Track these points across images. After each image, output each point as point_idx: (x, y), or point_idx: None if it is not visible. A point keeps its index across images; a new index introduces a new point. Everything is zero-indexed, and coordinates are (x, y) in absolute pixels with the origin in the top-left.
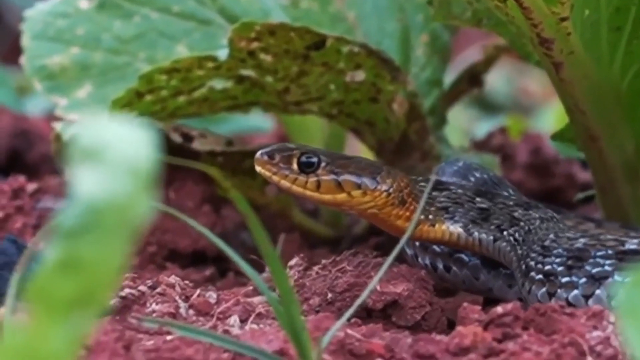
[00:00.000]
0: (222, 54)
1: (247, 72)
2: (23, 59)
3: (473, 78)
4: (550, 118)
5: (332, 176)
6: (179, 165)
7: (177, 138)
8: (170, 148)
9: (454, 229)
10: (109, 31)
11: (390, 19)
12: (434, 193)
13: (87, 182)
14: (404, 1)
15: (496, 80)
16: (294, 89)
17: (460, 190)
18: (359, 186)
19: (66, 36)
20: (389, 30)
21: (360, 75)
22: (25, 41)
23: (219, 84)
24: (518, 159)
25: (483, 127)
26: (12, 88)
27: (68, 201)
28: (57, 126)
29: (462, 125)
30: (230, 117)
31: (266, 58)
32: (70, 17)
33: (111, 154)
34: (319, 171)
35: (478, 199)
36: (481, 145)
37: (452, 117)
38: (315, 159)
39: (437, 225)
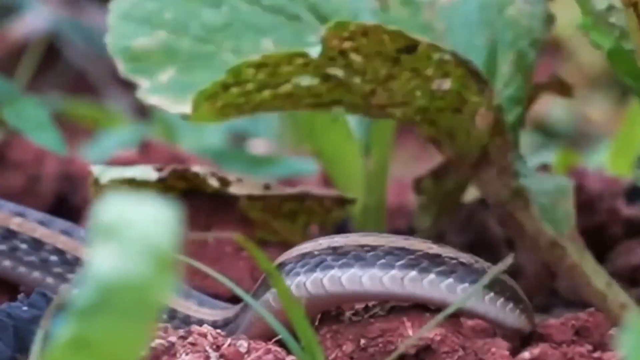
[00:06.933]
0: (314, 51)
1: (335, 71)
2: (107, 38)
3: None
4: (605, 153)
5: None
6: (217, 210)
7: (214, 183)
8: (209, 193)
9: None
10: (197, 18)
11: (478, 34)
12: None
13: (103, 260)
14: (494, 18)
15: (557, 109)
16: (380, 92)
17: None
18: None
19: (153, 19)
20: (477, 45)
21: (446, 84)
22: (111, 20)
23: (304, 80)
24: None
25: (541, 157)
26: (57, 131)
27: (84, 278)
28: (95, 170)
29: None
30: (276, 161)
31: (356, 58)
32: (159, 0)
33: (131, 233)
34: None
35: None
36: None
37: None
38: None
39: None
